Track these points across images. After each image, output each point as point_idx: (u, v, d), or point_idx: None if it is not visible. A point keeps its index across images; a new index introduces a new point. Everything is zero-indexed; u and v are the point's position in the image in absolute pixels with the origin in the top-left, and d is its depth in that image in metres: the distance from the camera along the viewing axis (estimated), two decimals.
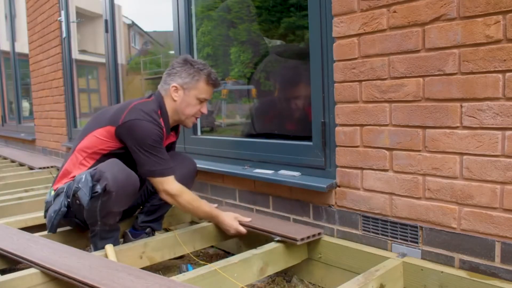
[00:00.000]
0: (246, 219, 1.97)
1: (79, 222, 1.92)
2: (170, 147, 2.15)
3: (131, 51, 4.67)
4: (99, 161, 1.90)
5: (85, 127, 2.01)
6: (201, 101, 1.96)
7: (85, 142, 1.94)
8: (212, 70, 1.98)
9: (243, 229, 1.92)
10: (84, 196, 1.73)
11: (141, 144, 1.81)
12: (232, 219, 1.94)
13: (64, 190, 1.89)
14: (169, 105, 1.96)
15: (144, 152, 1.81)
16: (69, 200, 1.85)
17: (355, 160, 1.73)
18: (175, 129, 2.12)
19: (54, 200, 1.92)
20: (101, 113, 2.02)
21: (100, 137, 1.89)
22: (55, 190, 1.99)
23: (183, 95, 1.94)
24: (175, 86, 1.93)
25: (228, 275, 1.56)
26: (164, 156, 1.86)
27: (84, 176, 1.77)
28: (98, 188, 1.70)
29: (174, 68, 1.96)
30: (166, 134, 1.97)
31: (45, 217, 2.00)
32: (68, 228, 2.06)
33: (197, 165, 2.23)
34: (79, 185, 1.76)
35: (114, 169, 1.75)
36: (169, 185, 1.85)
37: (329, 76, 1.80)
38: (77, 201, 1.78)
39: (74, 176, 1.92)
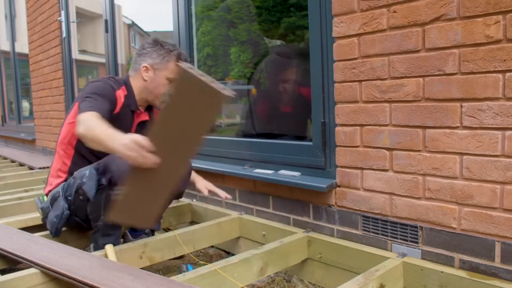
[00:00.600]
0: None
1: (79, 220, 1.92)
2: (143, 127, 2.08)
3: (131, 51, 4.67)
4: (75, 148, 1.94)
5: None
6: (171, 81, 1.95)
7: (61, 135, 1.99)
8: (182, 51, 2.00)
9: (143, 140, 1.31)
10: (90, 190, 1.74)
11: (86, 93, 1.81)
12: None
13: (61, 194, 1.90)
14: (138, 83, 1.99)
15: (84, 98, 1.78)
16: (70, 199, 1.85)
17: (355, 160, 1.73)
18: (149, 109, 2.11)
19: (52, 206, 1.92)
20: None
21: (71, 121, 1.92)
22: (47, 195, 2.00)
23: (153, 75, 1.96)
24: (146, 67, 1.97)
25: (228, 275, 1.56)
26: (100, 101, 1.77)
27: (87, 171, 1.78)
28: (104, 181, 1.73)
29: (144, 49, 1.99)
30: (134, 109, 2.00)
31: (44, 223, 2.00)
32: (67, 228, 2.06)
33: (197, 165, 2.23)
34: (83, 180, 1.77)
35: (118, 161, 1.75)
36: (88, 115, 1.65)
37: (329, 76, 1.80)
38: (81, 197, 1.80)
39: (60, 172, 1.96)
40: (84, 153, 1.95)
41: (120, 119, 1.91)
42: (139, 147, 1.30)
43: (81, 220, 1.92)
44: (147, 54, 1.97)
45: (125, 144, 1.35)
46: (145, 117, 2.09)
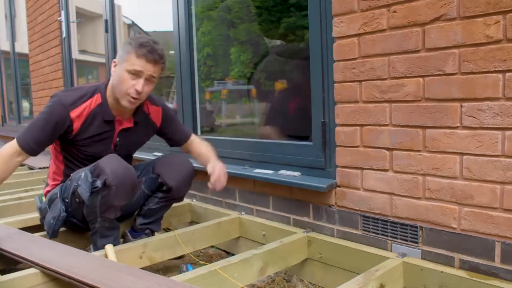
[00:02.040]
0: None
1: (76, 222, 1.92)
2: (127, 134, 2.00)
3: None
4: (62, 154, 1.94)
5: None
6: (134, 74, 1.76)
7: None
8: (150, 43, 1.76)
9: None
10: (84, 192, 1.73)
11: (36, 117, 1.83)
12: None
13: (58, 195, 1.89)
14: (110, 84, 1.87)
15: (31, 123, 1.85)
16: (67, 201, 1.85)
17: (355, 160, 1.73)
18: (139, 114, 1.96)
19: (49, 207, 1.92)
20: None
21: None
22: (45, 196, 1.99)
23: (117, 69, 1.81)
24: (114, 61, 1.84)
25: (228, 275, 1.56)
26: (36, 130, 1.80)
27: (83, 174, 1.77)
28: (98, 183, 1.70)
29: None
30: (108, 118, 1.88)
31: (42, 224, 2.00)
32: (66, 229, 2.06)
33: (198, 165, 2.22)
34: (79, 182, 1.76)
35: (113, 163, 1.74)
36: (7, 145, 1.80)
37: (329, 76, 1.80)
38: (77, 200, 1.79)
39: (55, 175, 1.96)
40: (72, 158, 1.93)
41: (86, 131, 1.86)
42: None
43: (79, 222, 1.91)
44: (118, 51, 1.86)
45: None
46: (128, 124, 1.95)
